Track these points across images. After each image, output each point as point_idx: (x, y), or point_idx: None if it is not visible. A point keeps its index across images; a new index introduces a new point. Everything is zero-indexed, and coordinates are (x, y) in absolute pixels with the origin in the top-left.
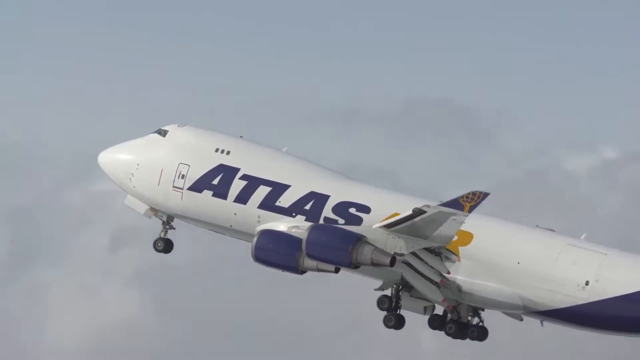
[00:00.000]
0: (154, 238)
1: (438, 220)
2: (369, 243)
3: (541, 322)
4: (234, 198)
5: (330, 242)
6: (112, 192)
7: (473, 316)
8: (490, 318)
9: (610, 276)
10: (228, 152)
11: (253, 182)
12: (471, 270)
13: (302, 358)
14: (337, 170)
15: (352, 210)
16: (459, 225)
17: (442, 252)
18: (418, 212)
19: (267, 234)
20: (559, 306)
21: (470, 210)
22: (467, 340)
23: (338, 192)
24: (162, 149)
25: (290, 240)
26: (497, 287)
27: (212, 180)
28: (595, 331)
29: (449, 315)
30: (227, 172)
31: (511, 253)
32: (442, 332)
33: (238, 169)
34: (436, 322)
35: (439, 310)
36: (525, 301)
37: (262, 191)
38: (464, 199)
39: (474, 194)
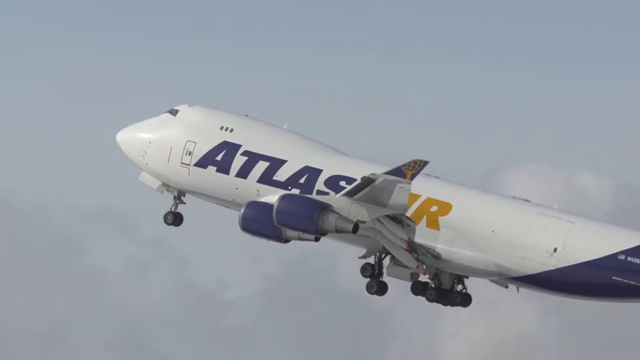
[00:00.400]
0: (165, 211)
1: (388, 188)
2: (333, 211)
3: (517, 288)
4: (235, 173)
5: (297, 210)
6: None
7: (457, 283)
8: (475, 285)
9: (576, 243)
10: (231, 130)
11: (253, 158)
12: (450, 238)
13: None
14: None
15: (342, 183)
16: (407, 193)
17: (403, 220)
18: (366, 180)
19: (253, 205)
20: (530, 272)
21: (411, 178)
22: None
23: (331, 166)
24: (173, 127)
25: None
26: (473, 255)
27: (216, 156)
28: (565, 296)
29: (430, 282)
30: (230, 149)
31: (486, 222)
32: (424, 298)
33: (240, 146)
34: (418, 289)
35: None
36: (500, 268)
37: (261, 166)
38: (406, 167)
39: (415, 162)
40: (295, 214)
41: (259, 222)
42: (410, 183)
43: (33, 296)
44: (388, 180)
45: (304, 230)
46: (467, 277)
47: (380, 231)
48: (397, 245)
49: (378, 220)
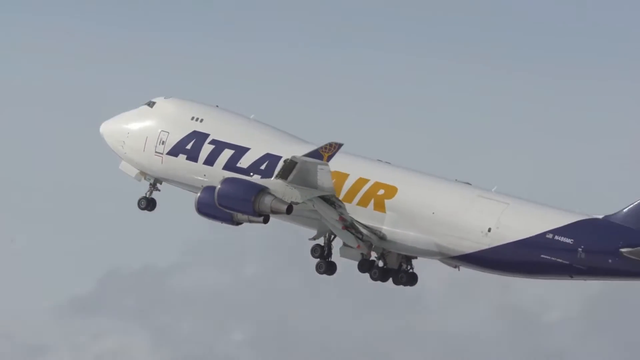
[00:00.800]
0: (139, 197)
1: (311, 170)
2: (269, 193)
3: (457, 267)
4: (203, 160)
5: (235, 193)
6: None
7: (405, 263)
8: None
9: (509, 223)
10: (201, 120)
11: (219, 146)
12: (394, 220)
13: None
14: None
15: None
16: (328, 174)
17: (334, 201)
18: (289, 163)
19: (207, 190)
20: (467, 251)
21: (328, 159)
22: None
23: (290, 153)
24: (149, 118)
25: None
26: (416, 236)
27: (186, 145)
28: (500, 274)
29: (376, 261)
30: (199, 138)
31: (428, 204)
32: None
33: (208, 135)
34: (365, 267)
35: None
36: (440, 248)
37: (227, 154)
38: (323, 149)
39: (330, 144)
40: (234, 197)
41: (213, 206)
42: (327, 165)
43: (337, 316)
44: (308, 162)
45: (243, 212)
46: (415, 258)
47: (319, 212)
48: (336, 226)
49: (312, 201)
